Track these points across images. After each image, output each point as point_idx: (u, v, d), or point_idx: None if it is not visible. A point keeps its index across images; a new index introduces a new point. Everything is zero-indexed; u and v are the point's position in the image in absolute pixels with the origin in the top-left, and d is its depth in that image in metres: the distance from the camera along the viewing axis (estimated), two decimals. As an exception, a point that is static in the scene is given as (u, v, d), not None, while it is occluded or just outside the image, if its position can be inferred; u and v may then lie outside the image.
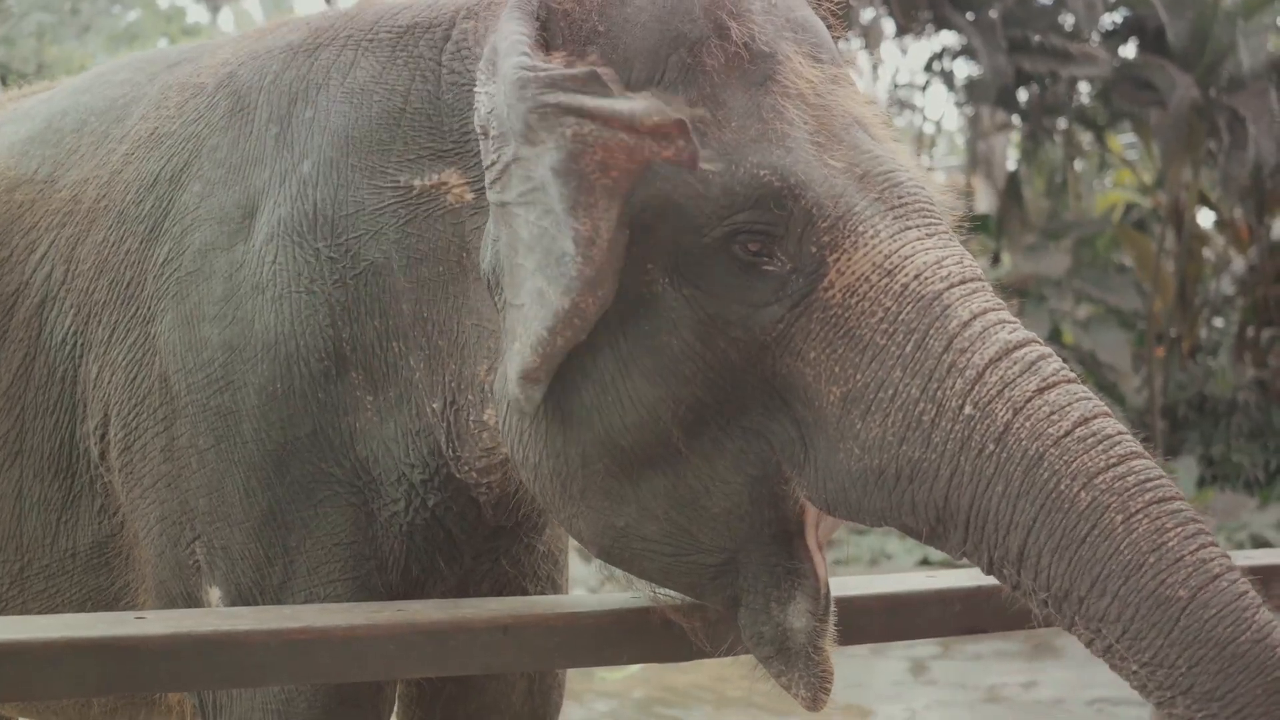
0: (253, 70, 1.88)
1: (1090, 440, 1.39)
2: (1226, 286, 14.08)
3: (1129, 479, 1.37)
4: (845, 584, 1.90)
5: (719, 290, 1.49)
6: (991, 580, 1.82)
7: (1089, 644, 1.39)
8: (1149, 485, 1.38)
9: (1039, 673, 7.25)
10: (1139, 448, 1.41)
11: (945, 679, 7.21)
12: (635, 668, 6.51)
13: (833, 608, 1.59)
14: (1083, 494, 1.36)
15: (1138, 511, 1.36)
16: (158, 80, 2.02)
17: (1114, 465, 1.38)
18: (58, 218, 1.97)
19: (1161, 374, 12.65)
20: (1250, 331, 13.27)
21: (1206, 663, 1.31)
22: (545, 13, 1.56)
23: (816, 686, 1.55)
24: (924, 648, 7.66)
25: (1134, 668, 1.34)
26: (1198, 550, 1.35)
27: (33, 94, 2.35)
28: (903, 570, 9.59)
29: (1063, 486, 1.37)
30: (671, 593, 1.64)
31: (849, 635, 1.86)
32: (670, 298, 1.50)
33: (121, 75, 2.10)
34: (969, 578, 1.86)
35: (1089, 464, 1.38)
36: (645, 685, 6.73)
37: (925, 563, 10.02)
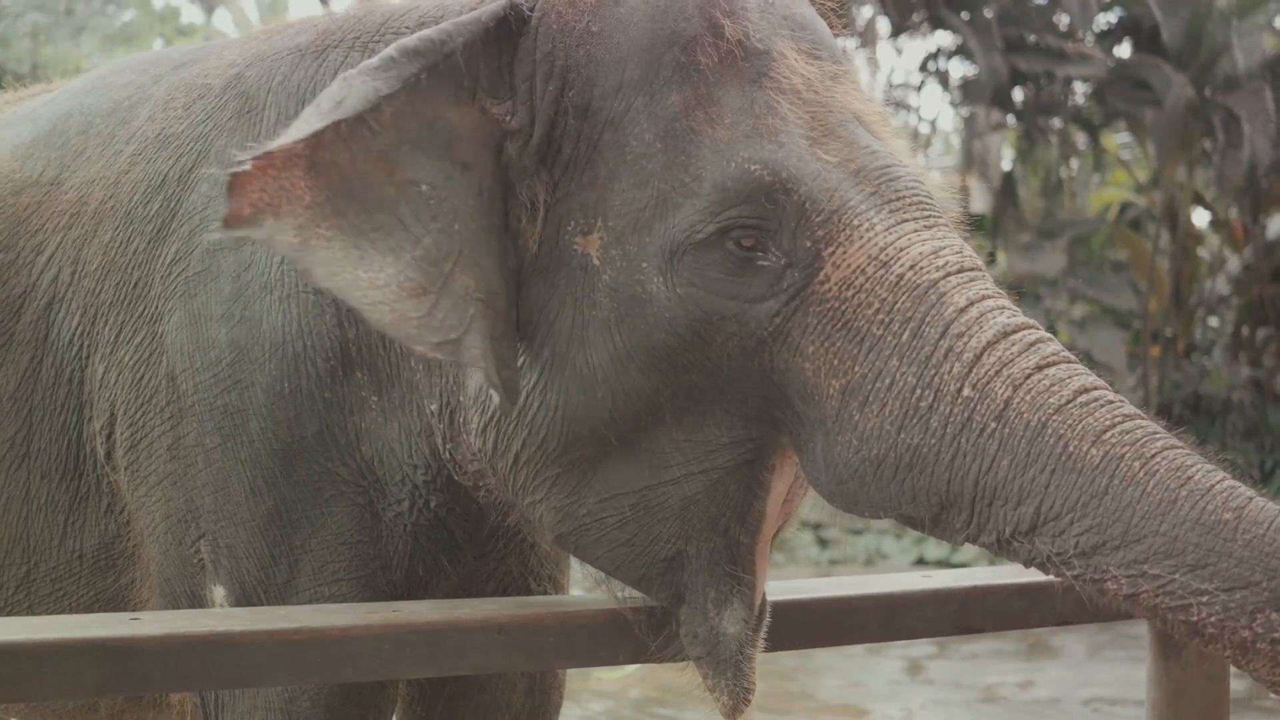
0: (260, 72, 1.89)
1: (1092, 404, 1.39)
2: (1221, 286, 14.09)
3: (1137, 432, 1.37)
4: (841, 584, 1.90)
5: (714, 287, 1.49)
6: (987, 580, 1.83)
7: (1131, 594, 1.35)
8: (1158, 435, 1.38)
9: (1035, 672, 7.25)
10: (1142, 413, 1.41)
11: (941, 679, 7.21)
12: (632, 667, 6.50)
13: (766, 620, 1.60)
14: (1093, 450, 1.36)
15: (1155, 455, 1.36)
16: (163, 82, 2.03)
17: (1120, 422, 1.38)
18: (64, 219, 1.97)
19: (1156, 373, 12.67)
20: (1245, 331, 13.28)
21: None
22: (513, 12, 1.56)
23: (739, 696, 1.57)
24: (920, 647, 7.66)
25: (1204, 599, 1.31)
26: (1223, 480, 1.35)
27: (29, 95, 2.34)
28: (898, 570, 9.60)
29: (1071, 448, 1.37)
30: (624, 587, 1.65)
31: (845, 635, 1.86)
32: (665, 296, 1.50)
33: (125, 77, 2.11)
34: (965, 578, 1.86)
35: (1094, 424, 1.38)
36: (642, 685, 6.73)
37: (921, 562, 10.04)
